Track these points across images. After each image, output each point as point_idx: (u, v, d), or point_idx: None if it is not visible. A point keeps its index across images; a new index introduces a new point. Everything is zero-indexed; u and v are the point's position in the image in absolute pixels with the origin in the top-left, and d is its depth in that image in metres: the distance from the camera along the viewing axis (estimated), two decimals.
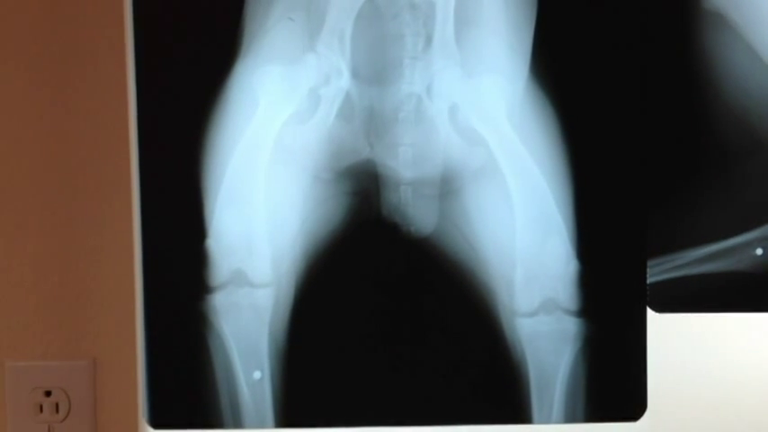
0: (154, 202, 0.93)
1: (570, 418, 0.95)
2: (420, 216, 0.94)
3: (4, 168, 1.03)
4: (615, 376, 0.95)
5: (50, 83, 1.02)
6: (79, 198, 1.03)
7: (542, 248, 0.94)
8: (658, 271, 0.95)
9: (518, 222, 0.94)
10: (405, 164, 0.94)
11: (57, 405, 1.04)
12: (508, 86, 0.93)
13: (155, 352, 0.94)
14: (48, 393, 1.04)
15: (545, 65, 0.93)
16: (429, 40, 0.93)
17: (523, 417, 0.95)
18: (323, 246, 0.94)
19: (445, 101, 0.94)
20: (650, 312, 0.95)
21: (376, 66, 0.93)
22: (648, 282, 0.94)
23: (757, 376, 0.97)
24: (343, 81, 0.93)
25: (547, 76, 0.93)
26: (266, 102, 0.93)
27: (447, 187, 0.94)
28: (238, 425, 0.95)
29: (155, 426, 0.95)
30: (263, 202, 0.93)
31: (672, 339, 0.96)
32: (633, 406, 0.95)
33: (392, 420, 0.95)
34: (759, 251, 0.94)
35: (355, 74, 0.93)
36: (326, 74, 0.93)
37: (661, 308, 0.95)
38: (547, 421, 0.95)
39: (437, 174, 0.94)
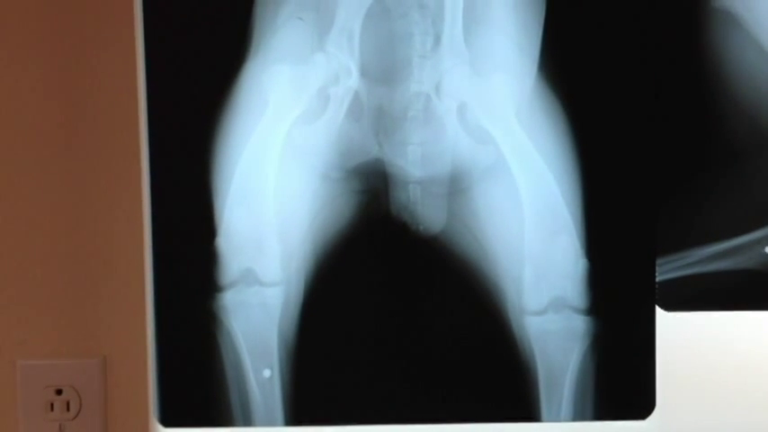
0: (164, 201, 0.93)
1: (579, 416, 0.95)
2: (429, 215, 0.94)
3: (15, 167, 1.03)
4: (624, 375, 0.94)
5: (61, 83, 1.02)
6: (90, 197, 1.03)
7: (551, 247, 0.94)
8: (667, 269, 0.94)
9: (527, 221, 0.94)
10: (413, 163, 0.94)
11: (68, 403, 1.04)
12: (517, 85, 0.93)
13: (165, 350, 0.94)
14: (59, 392, 1.04)
15: (554, 63, 0.92)
16: (438, 39, 0.93)
17: (532, 415, 0.95)
18: (332, 244, 0.94)
19: (454, 100, 0.94)
20: (659, 310, 0.95)
21: (385, 65, 0.93)
22: (657, 280, 0.94)
23: (767, 375, 0.97)
24: (352, 80, 0.93)
25: (556, 75, 0.93)
26: (275, 101, 0.93)
27: (456, 186, 0.94)
28: (248, 423, 0.95)
29: (165, 424, 0.95)
30: (272, 201, 0.94)
31: (681, 338, 0.96)
32: (642, 405, 0.95)
33: (401, 418, 0.95)
34: None
35: (364, 73, 0.93)
36: (335, 73, 0.93)
37: (670, 306, 0.95)
38: (555, 419, 0.95)
39: (446, 172, 0.94)
